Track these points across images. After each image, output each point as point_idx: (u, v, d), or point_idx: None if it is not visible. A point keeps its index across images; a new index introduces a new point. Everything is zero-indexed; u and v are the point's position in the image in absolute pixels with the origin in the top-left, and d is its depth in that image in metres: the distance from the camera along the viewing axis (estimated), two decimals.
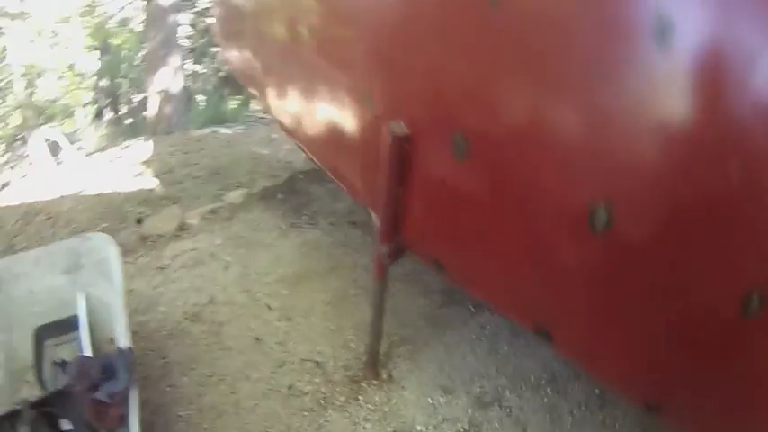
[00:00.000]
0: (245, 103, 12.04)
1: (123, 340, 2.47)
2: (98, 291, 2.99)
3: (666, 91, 1.41)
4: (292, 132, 3.79)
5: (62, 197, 6.37)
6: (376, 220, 2.59)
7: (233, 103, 12.75)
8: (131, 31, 12.46)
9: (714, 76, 1.34)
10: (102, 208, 5.90)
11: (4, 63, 8.29)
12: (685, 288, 1.54)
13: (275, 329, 3.59)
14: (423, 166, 2.18)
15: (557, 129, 1.68)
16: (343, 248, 4.39)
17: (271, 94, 3.98)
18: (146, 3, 9.73)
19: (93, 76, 11.63)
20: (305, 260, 4.26)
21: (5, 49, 8.33)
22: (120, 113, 14.16)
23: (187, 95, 9.99)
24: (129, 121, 13.69)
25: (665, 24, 1.34)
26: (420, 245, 2.50)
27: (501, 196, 1.93)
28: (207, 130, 9.50)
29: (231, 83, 11.59)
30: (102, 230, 5.20)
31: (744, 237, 1.41)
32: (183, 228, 4.80)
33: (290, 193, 5.37)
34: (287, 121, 3.78)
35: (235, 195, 5.36)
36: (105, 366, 2.42)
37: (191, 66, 13.36)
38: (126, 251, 4.38)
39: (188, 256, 4.36)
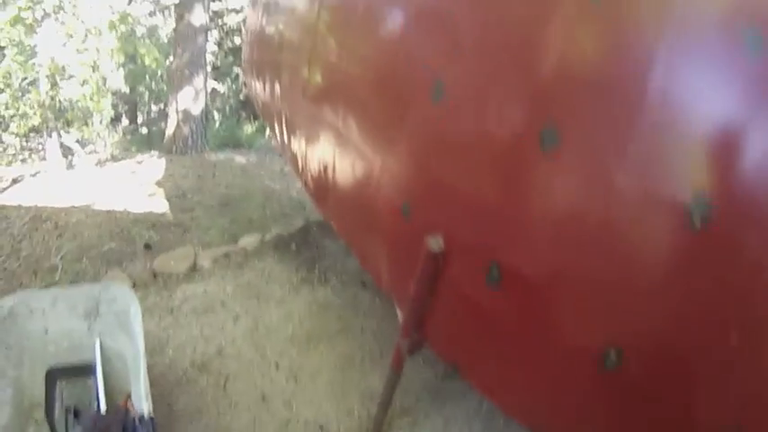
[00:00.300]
0: (262, 130, 12.13)
1: (144, 406, 2.47)
2: (115, 342, 3.00)
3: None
4: (315, 197, 3.80)
5: (72, 207, 6.43)
6: (400, 313, 2.66)
7: (249, 128, 12.85)
8: (158, 41, 12.60)
9: None
10: (111, 226, 5.95)
11: (32, 60, 8.32)
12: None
13: (282, 389, 3.61)
14: (455, 282, 2.21)
15: (581, 278, 1.79)
16: (353, 311, 4.44)
17: (294, 148, 4.00)
18: (177, 19, 9.81)
19: (116, 80, 11.70)
20: (315, 320, 4.29)
21: (35, 46, 8.38)
22: (137, 122, 14.27)
23: (206, 119, 10.04)
24: (145, 131, 13.80)
25: None
26: (440, 345, 2.56)
27: (525, 327, 1.99)
28: (222, 156, 9.62)
29: (250, 106, 11.65)
30: (109, 251, 5.32)
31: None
32: (195, 269, 4.85)
33: (304, 245, 5.44)
34: (310, 184, 3.79)
35: (249, 241, 5.41)
36: (125, 427, 2.46)
37: (211, 83, 13.44)
38: (137, 286, 4.44)
39: (199, 300, 4.39)
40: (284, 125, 4.23)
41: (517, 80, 1.84)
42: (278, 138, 4.60)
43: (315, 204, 3.97)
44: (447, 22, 2.12)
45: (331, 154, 3.18)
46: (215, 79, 14.09)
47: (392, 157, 2.45)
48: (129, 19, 9.07)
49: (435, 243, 2.17)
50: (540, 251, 1.86)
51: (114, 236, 5.74)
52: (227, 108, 14.30)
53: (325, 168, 3.32)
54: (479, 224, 2.04)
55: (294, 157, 4.07)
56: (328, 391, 3.64)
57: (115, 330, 3.03)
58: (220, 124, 13.28)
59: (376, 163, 2.59)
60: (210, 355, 3.83)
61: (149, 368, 3.56)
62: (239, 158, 9.50)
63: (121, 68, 11.85)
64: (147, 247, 5.53)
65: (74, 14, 8.68)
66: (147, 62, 9.06)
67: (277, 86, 4.33)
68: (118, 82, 10.77)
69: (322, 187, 3.48)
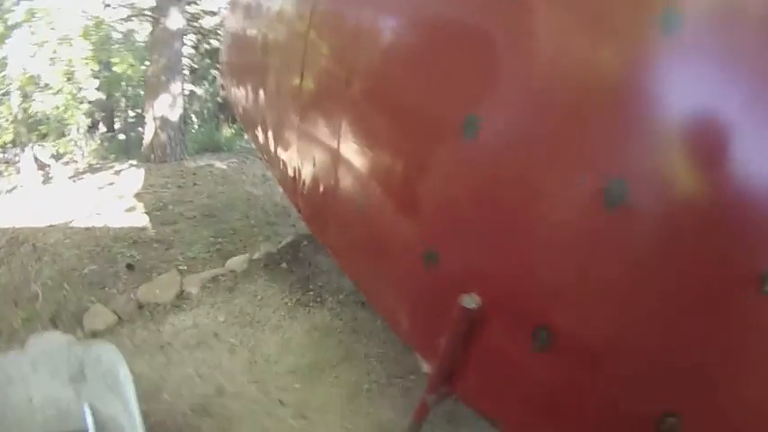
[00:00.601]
0: (240, 132, 11.78)
1: None
2: (106, 407, 2.65)
3: None
4: (311, 224, 3.45)
5: (50, 226, 6.13)
6: (426, 366, 2.33)
7: (228, 131, 12.52)
8: (134, 44, 12.17)
9: None
10: (91, 245, 5.66)
11: (3, 73, 7.91)
12: None
13: (290, 429, 3.30)
14: (494, 341, 1.89)
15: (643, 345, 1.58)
16: (355, 335, 4.11)
17: (283, 162, 3.60)
18: (153, 24, 9.43)
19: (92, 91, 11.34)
20: (316, 348, 3.97)
21: (5, 59, 7.97)
22: (114, 128, 13.85)
23: (183, 120, 9.71)
24: (123, 137, 13.39)
25: None
26: (474, 401, 2.25)
27: (575, 392, 1.74)
28: (202, 162, 9.30)
29: (228, 109, 11.32)
30: (90, 273, 5.07)
31: None
32: (182, 296, 4.50)
33: (295, 262, 5.10)
34: (304, 207, 3.40)
35: (237, 262, 5.03)
36: None
37: (189, 86, 13.09)
38: (122, 321, 4.12)
39: (190, 334, 4.04)
40: (270, 135, 3.86)
41: (582, 120, 1.54)
42: (261, 146, 4.23)
43: (310, 230, 3.63)
44: (485, 44, 1.77)
45: (331, 178, 2.74)
46: (192, 82, 13.68)
47: (411, 195, 2.08)
48: (104, 25, 8.65)
49: (471, 301, 1.84)
50: (598, 314, 1.61)
51: (95, 256, 5.45)
52: (205, 111, 13.89)
53: (324, 193, 2.90)
54: (525, 282, 1.73)
55: (283, 174, 3.67)
56: (339, 427, 3.34)
57: (105, 394, 2.70)
58: (199, 128, 12.93)
59: (390, 198, 2.22)
60: (210, 395, 3.49)
61: (145, 416, 3.23)
62: (219, 164, 9.16)
63: (96, 77, 11.45)
64: (130, 267, 5.22)
65: (46, 23, 8.27)
66: (120, 70, 8.65)
67: (261, 93, 3.96)
68: (93, 92, 10.39)
69: (320, 214, 3.11)
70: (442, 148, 1.91)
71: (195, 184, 7.98)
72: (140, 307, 4.33)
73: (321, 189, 2.89)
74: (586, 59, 1.50)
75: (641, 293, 1.52)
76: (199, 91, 14.16)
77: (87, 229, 6.10)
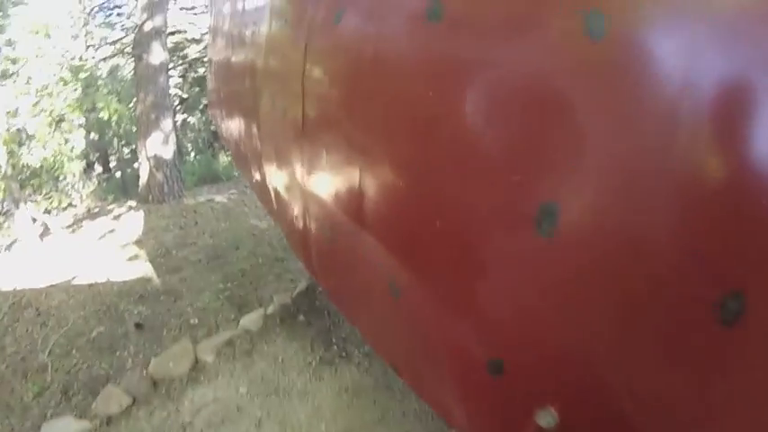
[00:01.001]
0: None
1: None
2: None
3: None
4: (327, 288, 3.01)
5: (51, 287, 5.83)
6: None
7: (225, 159, 12.21)
8: (122, 81, 11.86)
9: None
10: (96, 305, 5.35)
11: None
12: None
13: None
14: None
15: None
16: (389, 392, 3.70)
17: (285, 208, 3.10)
18: (135, 61, 9.15)
19: (82, 132, 11.01)
20: (349, 411, 3.57)
21: None
22: (110, 168, 13.55)
23: (179, 154, 9.42)
24: (120, 174, 13.09)
25: None
26: None
27: None
28: (201, 198, 9.08)
29: None
30: (99, 336, 4.75)
31: None
32: (197, 368, 4.10)
33: (312, 313, 4.70)
34: (317, 266, 2.89)
35: (251, 320, 4.61)
36: None
37: (181, 116, 12.81)
38: (137, 402, 3.73)
39: (211, 410, 3.62)
40: (267, 175, 3.39)
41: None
42: (257, 186, 3.80)
43: (326, 294, 3.21)
44: (566, 117, 1.33)
45: (353, 251, 2.23)
46: (184, 112, 13.37)
47: (467, 291, 1.67)
48: (82, 73, 8.30)
49: (549, 419, 1.46)
50: None
51: (101, 316, 5.12)
52: (200, 141, 13.57)
53: (345, 268, 2.42)
54: (621, 400, 1.35)
55: (289, 225, 3.20)
56: None
57: None
58: (195, 157, 12.63)
59: (438, 293, 1.79)
60: None
61: None
62: (219, 197, 8.88)
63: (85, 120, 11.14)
64: (139, 326, 4.89)
65: (25, 74, 7.93)
66: (106, 116, 8.29)
67: (254, 127, 3.51)
68: (82, 139, 10.09)
69: (341, 289, 2.68)
70: (508, 243, 1.49)
71: (197, 223, 7.70)
72: (155, 383, 3.94)
73: (341, 260, 2.46)
74: None
75: None
76: (192, 120, 13.84)
77: (91, 286, 5.79)
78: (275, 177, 3.17)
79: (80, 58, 10.86)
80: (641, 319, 1.24)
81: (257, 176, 3.74)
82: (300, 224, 2.83)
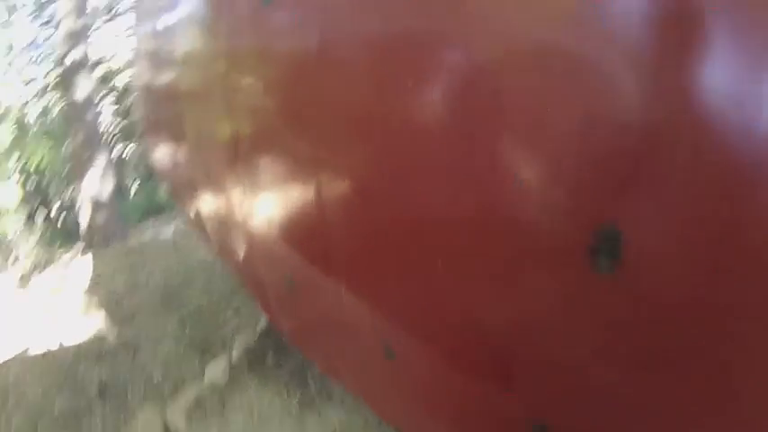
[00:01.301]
0: None
1: None
2: None
3: None
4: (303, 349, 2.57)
5: (5, 363, 5.35)
6: None
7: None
8: (53, 120, 11.30)
9: None
10: (54, 374, 4.87)
11: None
12: None
13: None
14: None
15: None
16: (382, 427, 3.21)
17: (241, 270, 2.68)
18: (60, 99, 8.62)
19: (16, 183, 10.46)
20: None
21: None
22: (51, 212, 12.93)
23: (119, 190, 8.93)
24: (63, 214, 12.51)
25: None
26: None
27: None
28: (147, 236, 8.66)
29: None
30: (62, 411, 4.31)
31: None
32: None
33: (280, 353, 4.20)
34: (287, 329, 2.49)
35: (215, 372, 4.10)
36: None
37: (121, 145, 12.30)
38: None
39: None
40: (202, 210, 2.92)
41: None
42: (194, 224, 3.31)
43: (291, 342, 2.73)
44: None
45: (329, 300, 1.69)
46: (121, 142, 12.86)
47: (495, 351, 1.16)
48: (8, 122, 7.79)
49: None
50: None
51: (62, 386, 4.66)
52: (140, 170, 13.01)
53: (320, 321, 1.93)
54: None
55: (236, 264, 2.76)
56: None
57: None
58: (137, 191, 12.10)
59: (453, 350, 1.28)
60: None
61: None
62: (166, 231, 8.41)
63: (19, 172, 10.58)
64: (102, 393, 4.43)
65: None
66: (34, 165, 7.77)
67: (182, 156, 3.07)
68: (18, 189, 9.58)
69: (313, 340, 2.21)
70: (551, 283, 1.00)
71: (146, 264, 7.20)
72: None
73: (312, 310, 1.93)
74: None
75: None
76: (129, 151, 13.29)
77: (45, 354, 5.34)
78: (212, 213, 2.66)
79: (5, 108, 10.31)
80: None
81: (192, 213, 3.22)
82: (249, 269, 2.33)
